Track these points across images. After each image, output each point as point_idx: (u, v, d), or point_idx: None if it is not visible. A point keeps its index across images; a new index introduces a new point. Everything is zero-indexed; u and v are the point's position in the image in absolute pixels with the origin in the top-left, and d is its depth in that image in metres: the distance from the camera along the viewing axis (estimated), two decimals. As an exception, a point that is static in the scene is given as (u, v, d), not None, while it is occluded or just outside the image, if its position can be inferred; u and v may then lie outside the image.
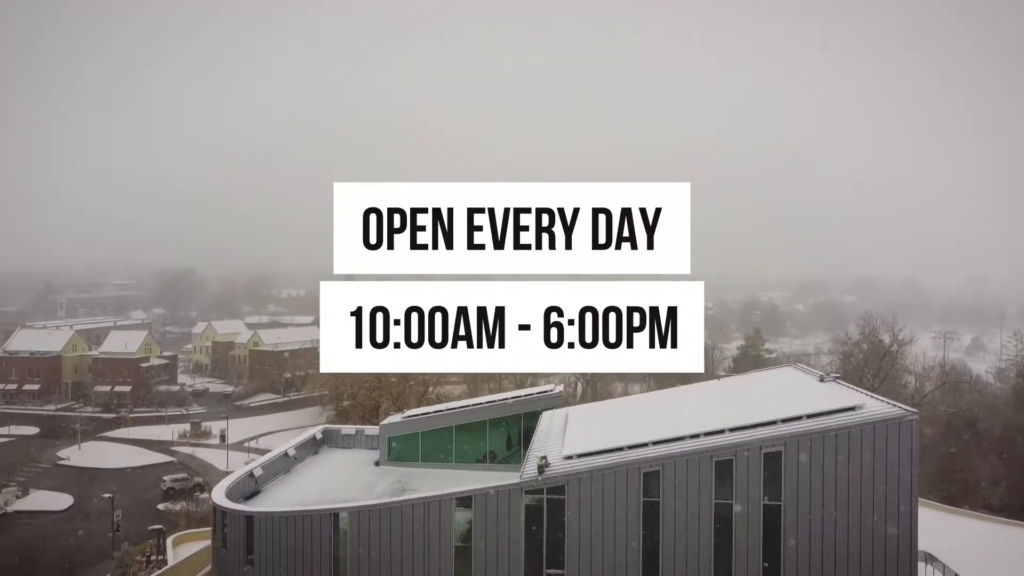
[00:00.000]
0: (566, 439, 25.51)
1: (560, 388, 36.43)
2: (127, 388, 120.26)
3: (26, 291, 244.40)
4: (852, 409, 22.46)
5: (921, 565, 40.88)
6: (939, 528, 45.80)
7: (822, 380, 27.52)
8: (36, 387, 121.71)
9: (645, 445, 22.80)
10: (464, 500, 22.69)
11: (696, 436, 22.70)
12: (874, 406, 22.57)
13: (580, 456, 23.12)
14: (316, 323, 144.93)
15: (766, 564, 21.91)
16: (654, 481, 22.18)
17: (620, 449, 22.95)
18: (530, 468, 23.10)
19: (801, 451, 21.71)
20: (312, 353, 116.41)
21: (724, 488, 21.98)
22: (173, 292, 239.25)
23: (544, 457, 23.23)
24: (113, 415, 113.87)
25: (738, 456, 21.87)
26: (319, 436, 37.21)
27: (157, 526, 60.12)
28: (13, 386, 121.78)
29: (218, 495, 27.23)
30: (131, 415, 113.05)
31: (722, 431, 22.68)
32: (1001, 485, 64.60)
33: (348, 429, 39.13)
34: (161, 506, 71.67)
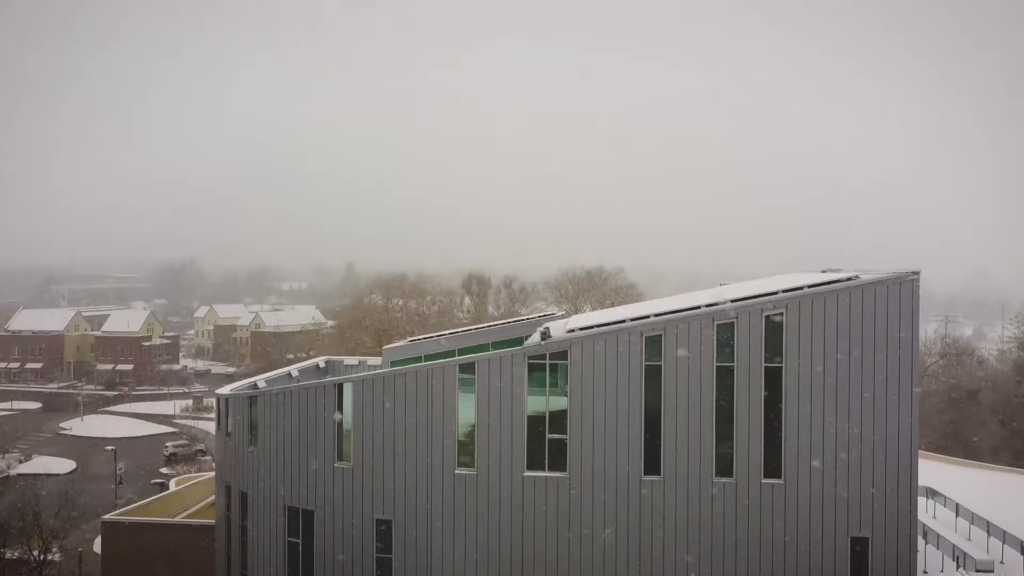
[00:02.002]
0: (569, 322, 25.64)
1: (563, 311, 36.65)
2: (129, 367, 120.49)
3: (28, 283, 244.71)
4: (851, 279, 22.57)
5: (922, 499, 41.02)
6: (939, 472, 45.90)
7: (823, 272, 27.63)
8: (38, 366, 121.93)
9: (647, 317, 22.91)
10: (467, 367, 22.82)
11: (698, 308, 22.81)
12: (873, 276, 22.67)
13: (583, 329, 23.24)
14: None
15: (766, 427, 22.02)
16: (656, 345, 22.31)
17: (622, 322, 23.07)
18: (533, 339, 23.24)
19: (802, 313, 21.84)
20: (314, 334, 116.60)
21: (725, 351, 22.10)
22: (174, 283, 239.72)
23: (547, 327, 23.39)
24: (115, 392, 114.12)
25: (739, 319, 22.00)
26: (322, 365, 37.27)
27: (160, 480, 60.33)
28: (16, 365, 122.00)
29: (222, 391, 27.40)
30: (133, 392, 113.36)
31: (723, 303, 22.79)
32: (1001, 454, 64.91)
33: (351, 360, 39.19)
34: (164, 469, 71.90)
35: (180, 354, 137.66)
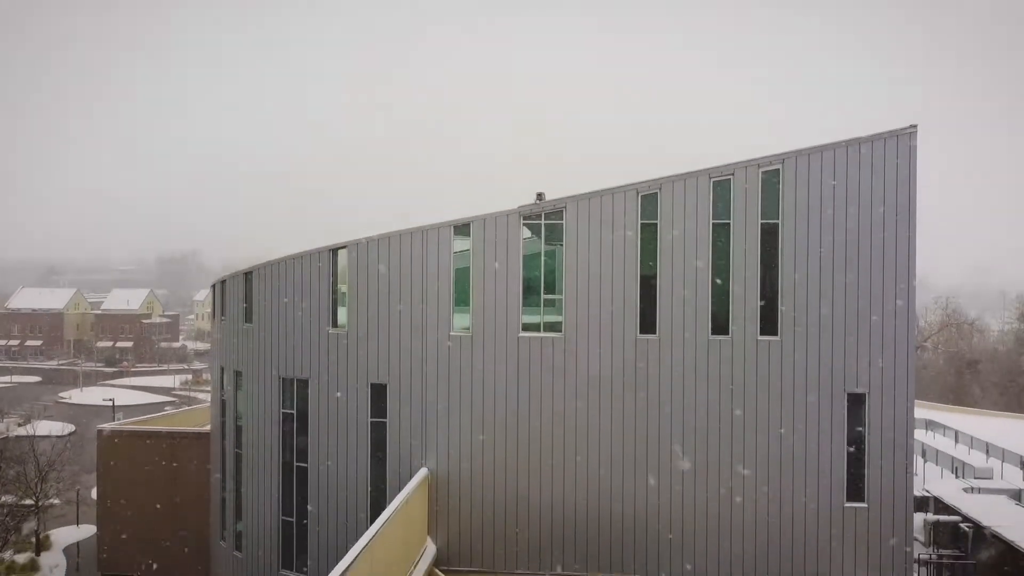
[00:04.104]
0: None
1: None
2: (129, 344, 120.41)
3: (29, 275, 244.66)
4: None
5: (920, 431, 40.97)
6: (937, 416, 45.87)
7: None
8: (38, 343, 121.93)
9: (643, 181, 22.78)
10: (462, 228, 22.72)
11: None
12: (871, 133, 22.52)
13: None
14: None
15: (762, 285, 21.91)
16: (651, 203, 22.20)
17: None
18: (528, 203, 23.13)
19: (799, 169, 21.73)
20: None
21: (722, 208, 21.98)
22: (175, 275, 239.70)
23: (542, 193, 23.29)
24: (115, 369, 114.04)
25: (736, 175, 21.89)
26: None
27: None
28: (16, 342, 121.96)
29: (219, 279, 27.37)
30: (133, 368, 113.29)
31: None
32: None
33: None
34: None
35: (181, 337, 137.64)
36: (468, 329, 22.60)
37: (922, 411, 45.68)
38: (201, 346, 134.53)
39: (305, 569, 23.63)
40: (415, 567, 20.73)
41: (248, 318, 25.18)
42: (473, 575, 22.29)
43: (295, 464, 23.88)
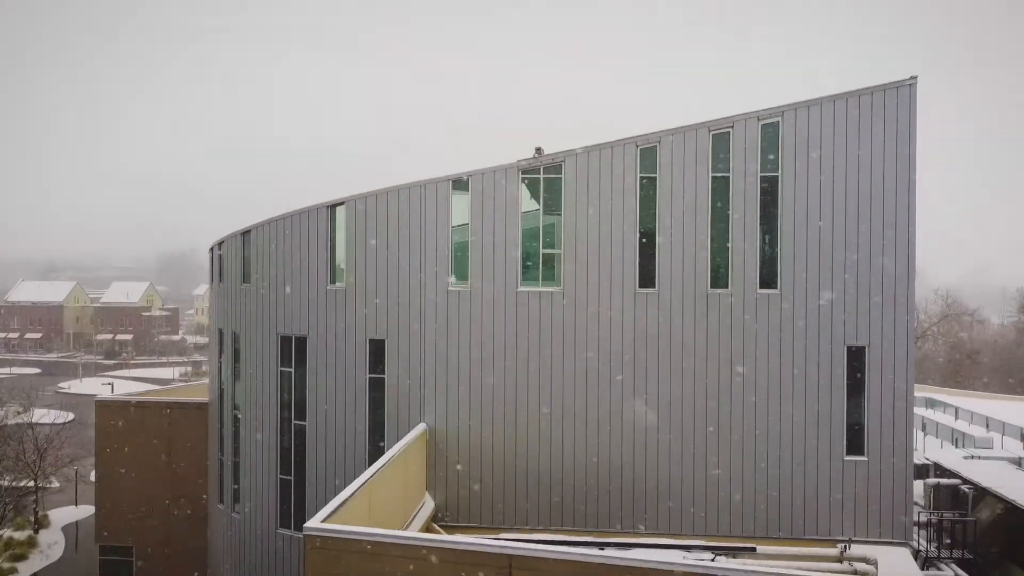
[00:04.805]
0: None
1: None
2: (128, 336, 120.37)
3: (28, 271, 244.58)
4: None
5: (920, 409, 40.90)
6: (938, 396, 45.85)
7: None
8: (38, 336, 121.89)
9: (642, 135, 22.71)
10: (460, 183, 22.65)
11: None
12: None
13: (577, 152, 23.04)
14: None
15: (761, 238, 21.85)
16: (651, 157, 22.13)
17: (617, 145, 22.86)
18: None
19: (798, 121, 21.66)
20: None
21: (721, 161, 21.91)
22: (174, 272, 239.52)
23: (541, 147, 23.21)
24: (114, 361, 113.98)
25: (735, 128, 21.82)
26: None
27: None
28: (15, 335, 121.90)
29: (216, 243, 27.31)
30: (132, 361, 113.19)
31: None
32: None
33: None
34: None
35: (180, 329, 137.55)
36: (467, 283, 22.53)
37: (922, 392, 45.72)
38: (201, 340, 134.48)
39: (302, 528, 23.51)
40: (413, 519, 20.66)
41: (246, 278, 25.12)
42: (471, 531, 22.20)
43: (293, 422, 23.81)
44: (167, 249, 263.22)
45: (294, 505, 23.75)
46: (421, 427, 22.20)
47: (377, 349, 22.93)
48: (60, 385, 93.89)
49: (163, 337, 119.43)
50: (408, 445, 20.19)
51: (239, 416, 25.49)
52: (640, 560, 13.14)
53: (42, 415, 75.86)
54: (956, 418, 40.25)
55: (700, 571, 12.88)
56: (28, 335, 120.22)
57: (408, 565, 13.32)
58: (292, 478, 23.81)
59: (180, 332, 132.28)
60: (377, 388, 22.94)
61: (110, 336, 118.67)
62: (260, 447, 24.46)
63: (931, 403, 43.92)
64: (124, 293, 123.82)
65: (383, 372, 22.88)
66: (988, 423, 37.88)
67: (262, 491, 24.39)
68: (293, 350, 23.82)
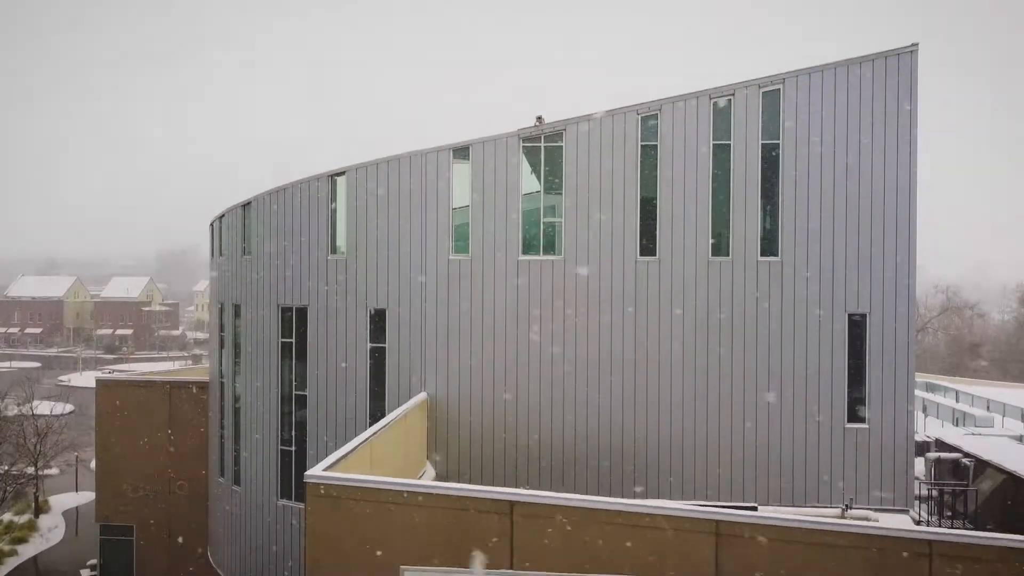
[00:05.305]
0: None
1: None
2: (128, 331, 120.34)
3: (28, 268, 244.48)
4: (851, 67, 22.37)
5: (920, 392, 40.86)
6: (938, 381, 45.78)
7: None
8: (38, 331, 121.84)
9: (643, 103, 22.70)
10: (461, 151, 22.65)
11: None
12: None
13: (578, 122, 23.02)
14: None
15: (763, 205, 21.85)
16: (652, 125, 22.13)
17: (618, 115, 22.87)
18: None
19: (800, 88, 21.66)
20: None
21: (722, 129, 21.91)
22: (175, 270, 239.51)
23: (542, 116, 23.20)
24: (115, 356, 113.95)
25: (736, 95, 21.82)
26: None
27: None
28: (15, 330, 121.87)
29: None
30: (132, 355, 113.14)
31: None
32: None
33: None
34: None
35: (180, 325, 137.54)
36: (467, 252, 22.53)
37: (923, 378, 45.71)
38: (201, 335, 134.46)
39: (303, 499, 23.51)
40: (414, 486, 20.62)
41: (246, 250, 25.13)
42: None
43: (294, 393, 23.80)
44: (167, 248, 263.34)
45: (295, 476, 23.74)
46: (422, 396, 22.19)
47: (378, 319, 22.93)
48: (60, 378, 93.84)
49: (163, 332, 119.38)
50: (409, 410, 20.18)
51: (239, 388, 25.48)
52: (637, 504, 13.14)
53: (42, 404, 76.24)
54: (957, 400, 40.26)
55: (705, 516, 12.87)
56: (28, 330, 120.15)
57: (411, 513, 13.31)
58: (293, 449, 23.81)
59: (180, 328, 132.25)
60: (378, 358, 22.93)
61: (110, 331, 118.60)
62: (261, 418, 24.45)
63: (932, 387, 43.92)
64: (124, 288, 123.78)
65: (384, 342, 22.88)
66: (989, 405, 37.87)
67: (263, 462, 24.39)
68: (294, 321, 23.81)
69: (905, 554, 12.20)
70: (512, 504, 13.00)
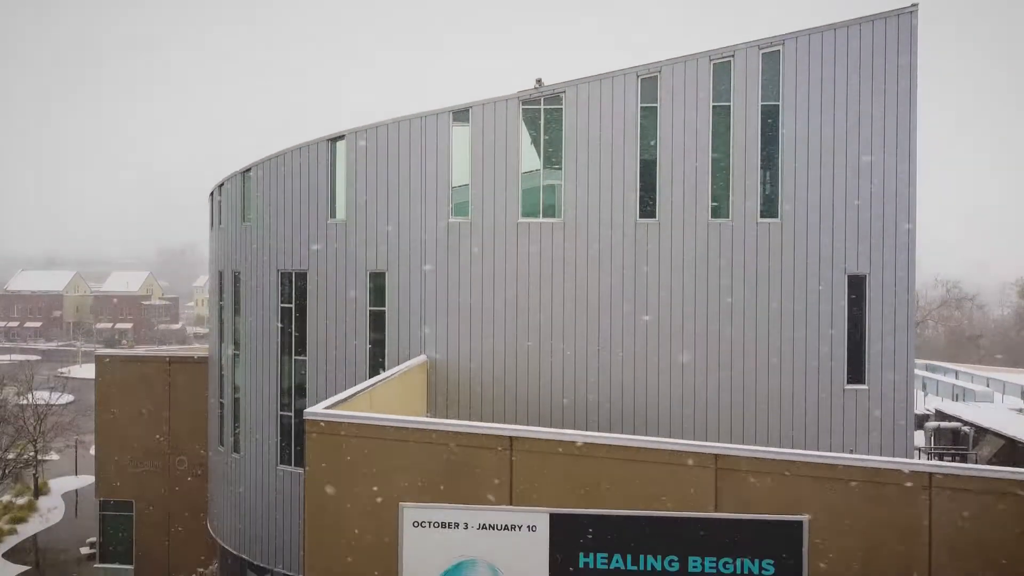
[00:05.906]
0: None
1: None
2: (128, 325, 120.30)
3: (28, 265, 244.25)
4: (850, 30, 22.34)
5: (920, 371, 40.88)
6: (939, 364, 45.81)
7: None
8: (37, 325, 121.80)
9: (642, 65, 22.70)
10: (461, 114, 22.64)
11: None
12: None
13: (578, 86, 22.99)
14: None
15: (763, 166, 21.85)
16: (651, 86, 22.13)
17: (618, 79, 22.85)
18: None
19: (799, 49, 21.67)
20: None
21: (722, 90, 21.91)
22: (174, 268, 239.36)
23: (541, 79, 23.21)
24: (114, 349, 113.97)
25: (736, 56, 21.82)
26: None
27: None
28: (15, 324, 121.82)
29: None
30: (132, 348, 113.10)
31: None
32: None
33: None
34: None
35: (180, 320, 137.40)
36: (467, 215, 22.52)
37: (924, 360, 45.75)
38: (201, 331, 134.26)
39: (303, 463, 23.48)
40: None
41: (245, 217, 25.11)
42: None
43: (294, 358, 23.79)
44: (167, 245, 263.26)
45: (294, 441, 23.72)
46: (422, 358, 22.19)
47: (378, 282, 22.92)
48: (60, 370, 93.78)
49: (163, 326, 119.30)
50: (410, 369, 20.17)
51: (239, 355, 25.46)
52: (637, 439, 13.14)
53: (41, 393, 76.18)
54: (957, 378, 40.34)
55: (704, 451, 12.87)
56: (28, 324, 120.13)
57: (410, 450, 13.30)
58: (292, 414, 23.79)
59: (180, 322, 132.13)
60: (378, 321, 22.92)
61: (110, 324, 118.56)
62: (260, 384, 24.43)
63: (932, 368, 44.00)
64: (124, 282, 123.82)
65: (383, 305, 22.87)
66: (988, 382, 37.93)
67: (262, 429, 24.37)
68: (293, 286, 23.81)
69: (909, 484, 12.19)
70: (512, 439, 13.00)
